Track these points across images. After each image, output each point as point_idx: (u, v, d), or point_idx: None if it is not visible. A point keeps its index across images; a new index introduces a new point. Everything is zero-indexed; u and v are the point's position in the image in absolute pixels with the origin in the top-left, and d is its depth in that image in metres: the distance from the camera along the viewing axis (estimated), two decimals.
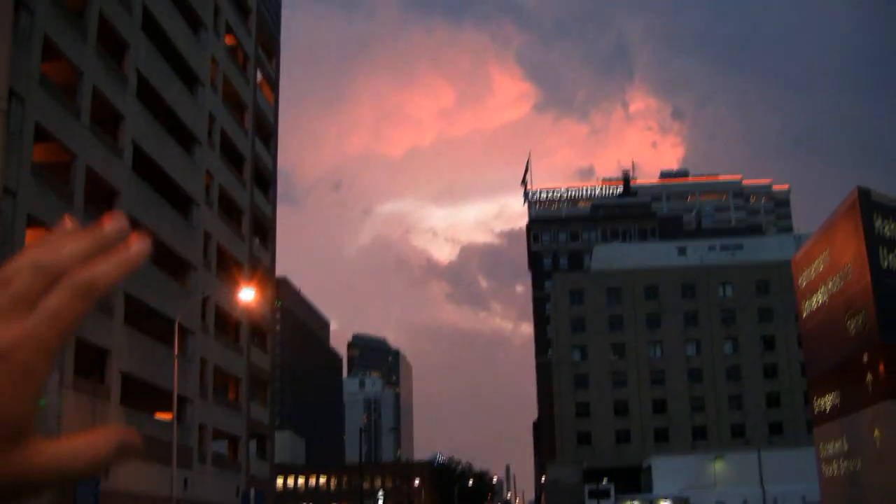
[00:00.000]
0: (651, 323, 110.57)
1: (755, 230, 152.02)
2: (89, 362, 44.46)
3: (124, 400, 47.44)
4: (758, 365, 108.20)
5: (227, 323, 65.75)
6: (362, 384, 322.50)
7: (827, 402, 13.49)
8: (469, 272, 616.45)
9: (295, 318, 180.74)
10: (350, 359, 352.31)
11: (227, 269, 65.55)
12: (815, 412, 14.00)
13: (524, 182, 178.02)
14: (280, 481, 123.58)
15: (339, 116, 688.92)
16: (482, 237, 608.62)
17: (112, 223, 1.02)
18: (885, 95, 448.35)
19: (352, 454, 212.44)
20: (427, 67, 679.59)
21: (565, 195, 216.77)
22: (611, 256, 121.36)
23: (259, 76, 76.37)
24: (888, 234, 12.05)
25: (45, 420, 32.35)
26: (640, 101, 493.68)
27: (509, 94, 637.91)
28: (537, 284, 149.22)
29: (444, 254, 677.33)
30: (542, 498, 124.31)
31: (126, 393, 47.57)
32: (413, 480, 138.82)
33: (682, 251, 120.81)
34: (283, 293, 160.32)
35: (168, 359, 47.71)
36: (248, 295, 52.92)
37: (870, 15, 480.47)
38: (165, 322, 50.32)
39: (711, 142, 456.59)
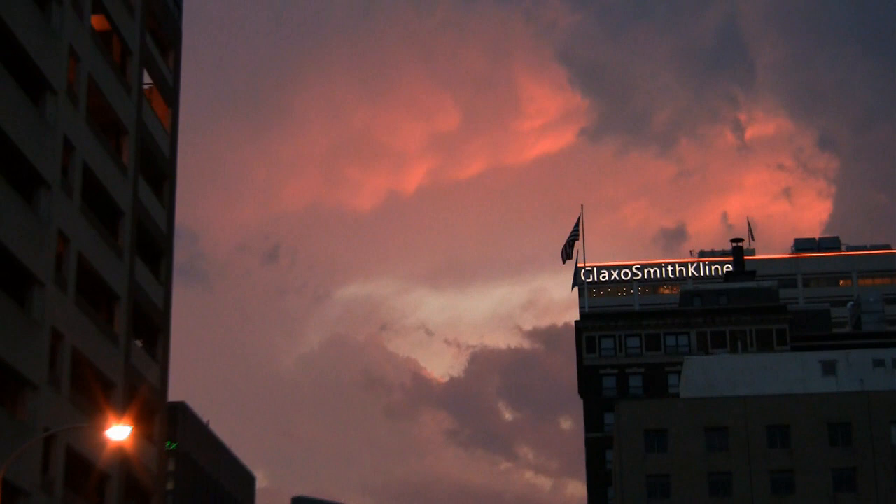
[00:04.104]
0: (779, 484, 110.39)
1: None
2: None
3: None
4: None
5: (85, 478, 65.22)
6: None
7: None
8: (484, 396, 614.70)
9: (199, 469, 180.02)
10: None
11: (88, 389, 65.23)
12: None
13: (567, 254, 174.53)
14: None
15: (277, 147, 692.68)
16: (504, 340, 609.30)
17: None
18: None
19: None
20: (416, 68, 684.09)
21: (637, 276, 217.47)
22: (712, 376, 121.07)
23: (147, 81, 76.70)
24: None
25: None
26: (764, 123, 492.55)
27: (547, 111, 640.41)
28: (593, 418, 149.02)
29: (442, 366, 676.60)
30: None
31: None
32: None
33: (829, 368, 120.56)
34: (179, 429, 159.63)
35: None
36: (120, 433, 52.18)
37: None
38: None
39: (879, 190, 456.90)
